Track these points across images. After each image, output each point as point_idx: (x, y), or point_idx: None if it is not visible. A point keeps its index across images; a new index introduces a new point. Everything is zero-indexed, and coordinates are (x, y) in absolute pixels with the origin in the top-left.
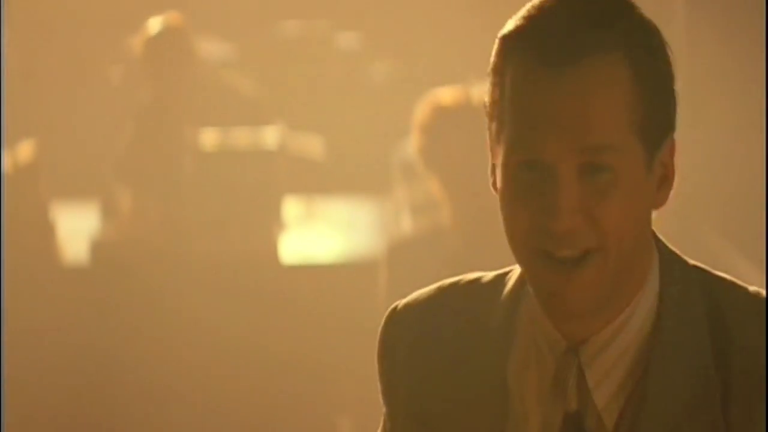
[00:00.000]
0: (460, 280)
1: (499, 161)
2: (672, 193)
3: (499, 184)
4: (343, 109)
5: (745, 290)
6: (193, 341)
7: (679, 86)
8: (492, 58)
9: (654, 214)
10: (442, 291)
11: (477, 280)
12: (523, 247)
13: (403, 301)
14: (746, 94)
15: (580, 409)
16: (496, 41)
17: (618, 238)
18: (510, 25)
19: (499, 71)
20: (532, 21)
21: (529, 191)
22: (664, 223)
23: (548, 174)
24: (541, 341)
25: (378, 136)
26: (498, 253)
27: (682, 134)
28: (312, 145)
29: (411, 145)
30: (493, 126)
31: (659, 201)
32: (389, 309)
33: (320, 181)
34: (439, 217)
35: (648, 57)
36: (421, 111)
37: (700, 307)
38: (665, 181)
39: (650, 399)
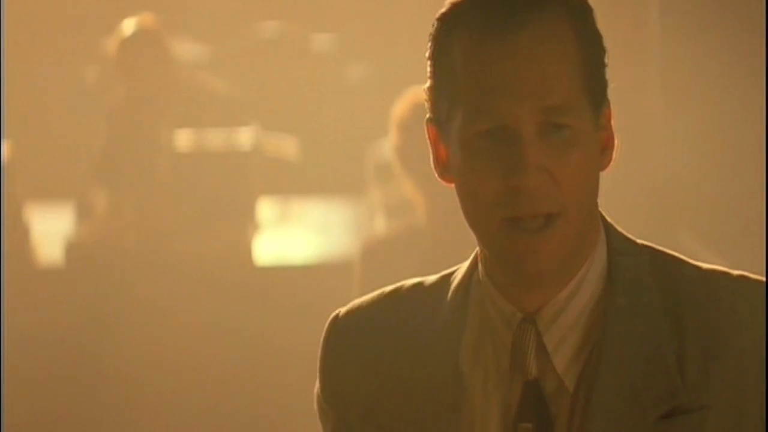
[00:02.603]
0: (402, 285)
1: (455, 138)
2: (648, 194)
3: (455, 162)
4: (318, 110)
5: (690, 263)
6: (168, 341)
7: (654, 84)
8: (431, 42)
9: (630, 214)
10: (384, 297)
11: (420, 284)
12: (489, 219)
13: (343, 309)
14: (721, 93)
15: (539, 377)
16: (434, 24)
17: (577, 199)
18: (447, 5)
19: (443, 51)
20: None
21: (491, 159)
22: (639, 223)
23: (510, 137)
24: (495, 321)
25: (353, 138)
26: (472, 253)
27: (657, 131)
28: (287, 146)
29: (388, 144)
30: (443, 106)
31: (604, 164)
32: (330, 317)
33: (295, 182)
34: (413, 217)
35: (584, 21)
36: (398, 109)
37: (649, 274)
38: (607, 144)
39: (606, 362)
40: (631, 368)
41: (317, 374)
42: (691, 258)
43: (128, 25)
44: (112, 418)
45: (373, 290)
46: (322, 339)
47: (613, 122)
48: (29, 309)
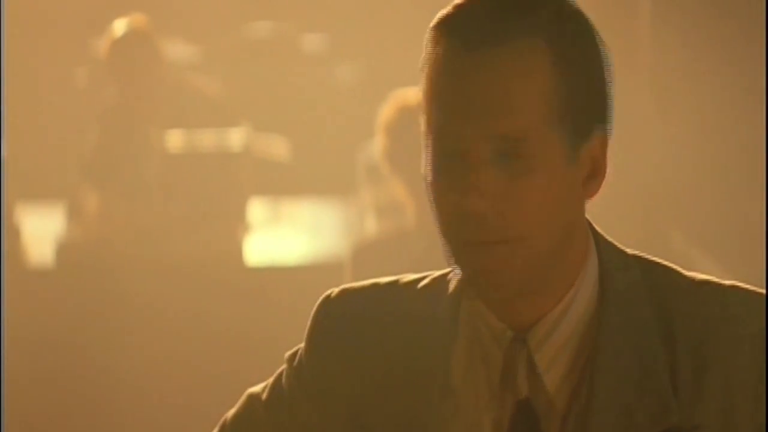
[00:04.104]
0: (397, 279)
1: (427, 154)
2: (640, 196)
3: (427, 180)
4: (308, 110)
5: (682, 274)
6: (159, 342)
7: (646, 87)
8: (424, 51)
9: (623, 217)
10: (378, 288)
11: (415, 283)
12: (450, 240)
13: (336, 290)
14: (712, 96)
15: (530, 396)
16: (427, 32)
17: (539, 227)
18: (439, 14)
19: (427, 61)
20: (457, 8)
21: (449, 179)
22: (629, 225)
23: (464, 159)
24: (486, 337)
25: (343, 138)
26: None
27: (649, 135)
28: (277, 147)
29: (376, 147)
30: (424, 119)
31: (588, 193)
32: (322, 296)
33: (286, 182)
34: (403, 219)
35: (572, 45)
36: (385, 112)
37: (641, 288)
38: (595, 174)
39: (600, 378)
40: (625, 386)
41: (304, 344)
42: (683, 259)
43: (119, 26)
44: (104, 418)
45: None
46: (311, 316)
47: (641, 159)
48: (20, 310)
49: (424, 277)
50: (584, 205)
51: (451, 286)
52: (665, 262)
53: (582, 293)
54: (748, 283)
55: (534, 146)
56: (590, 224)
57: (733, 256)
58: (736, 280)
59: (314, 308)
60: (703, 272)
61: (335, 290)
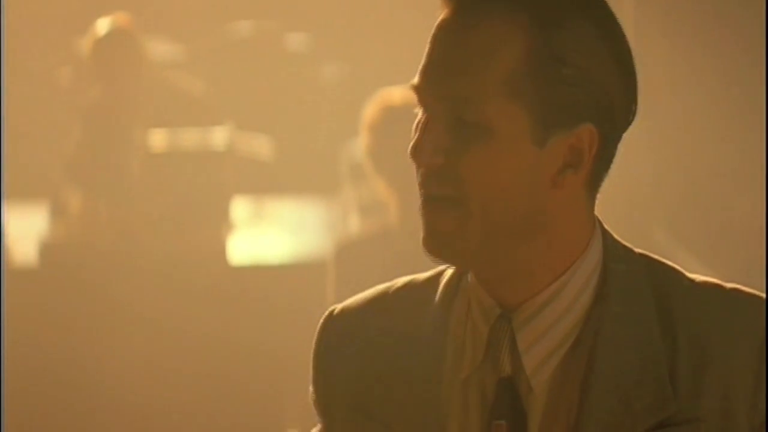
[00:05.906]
0: (393, 284)
1: None
2: (622, 190)
3: None
4: (291, 109)
5: (685, 275)
6: (141, 341)
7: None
8: None
9: (609, 214)
10: (377, 295)
11: (412, 280)
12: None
13: (339, 306)
14: (695, 93)
15: (513, 374)
16: None
17: (479, 194)
18: None
19: None
20: None
21: (416, 136)
22: (612, 220)
23: (426, 117)
24: (476, 313)
25: (327, 137)
26: None
27: (630, 132)
28: (261, 146)
29: (359, 146)
30: None
31: (560, 182)
32: (326, 313)
33: (269, 181)
34: (386, 217)
35: (560, 37)
36: (369, 111)
37: (645, 283)
38: (574, 166)
39: (600, 365)
40: (623, 376)
41: (311, 371)
42: (664, 256)
43: (102, 25)
44: (87, 416)
45: (347, 289)
46: (316, 335)
47: (628, 157)
48: (3, 309)
49: (424, 273)
50: (569, 197)
51: (449, 272)
52: (669, 262)
53: (575, 282)
54: (732, 281)
55: (490, 114)
56: (599, 221)
57: (717, 254)
58: (719, 278)
59: (318, 327)
60: (683, 268)
61: (337, 307)
